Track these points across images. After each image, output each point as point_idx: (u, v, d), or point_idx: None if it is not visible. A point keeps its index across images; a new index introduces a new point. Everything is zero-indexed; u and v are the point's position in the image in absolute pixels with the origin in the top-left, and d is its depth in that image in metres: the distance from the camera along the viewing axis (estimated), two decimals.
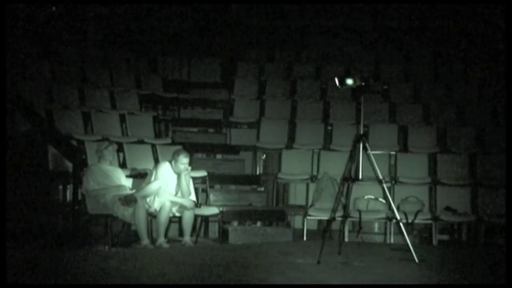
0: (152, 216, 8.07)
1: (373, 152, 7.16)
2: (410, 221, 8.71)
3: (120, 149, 9.40)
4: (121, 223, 8.19)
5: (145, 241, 7.80)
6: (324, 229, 7.56)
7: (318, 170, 10.07)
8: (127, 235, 8.28)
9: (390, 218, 8.79)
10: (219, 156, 11.10)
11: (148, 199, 8.04)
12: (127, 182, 8.51)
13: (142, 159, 9.35)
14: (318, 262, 6.42)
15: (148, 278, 5.66)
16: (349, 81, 6.76)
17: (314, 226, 9.70)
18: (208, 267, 6.26)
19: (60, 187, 8.79)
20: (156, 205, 8.03)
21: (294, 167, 10.21)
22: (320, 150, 10.45)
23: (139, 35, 13.68)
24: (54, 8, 13.09)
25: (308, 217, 8.97)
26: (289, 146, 10.72)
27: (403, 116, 11.51)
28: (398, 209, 8.49)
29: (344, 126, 11.09)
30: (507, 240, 6.09)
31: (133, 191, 8.20)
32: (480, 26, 13.54)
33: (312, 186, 9.78)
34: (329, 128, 11.22)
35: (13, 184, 7.89)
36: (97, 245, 8.01)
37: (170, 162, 8.25)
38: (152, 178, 8.16)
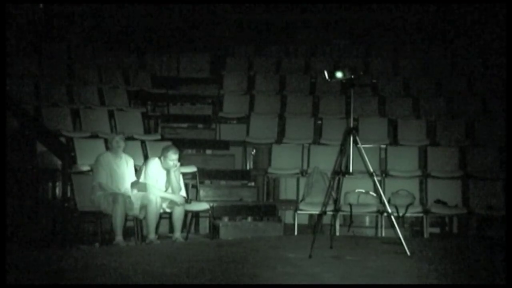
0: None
1: (363, 145, 7.13)
2: (401, 214, 8.72)
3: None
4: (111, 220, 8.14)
5: (119, 237, 7.77)
6: (315, 224, 7.54)
7: (308, 165, 10.04)
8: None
9: (381, 211, 8.78)
10: (209, 151, 11.08)
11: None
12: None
13: (131, 155, 9.30)
14: (310, 257, 6.40)
15: (139, 275, 5.62)
16: (339, 74, 6.72)
17: (305, 221, 9.68)
18: (199, 263, 6.22)
19: (50, 184, 8.73)
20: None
21: (284, 161, 10.18)
22: (310, 145, 10.42)
23: (127, 31, 13.60)
24: (41, 5, 13.01)
25: (299, 212, 8.94)
26: (279, 141, 10.69)
27: (392, 109, 11.50)
28: (389, 202, 8.47)
29: (334, 120, 11.07)
30: (507, 239, 6.08)
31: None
32: (469, 19, 13.54)
33: (302, 181, 9.77)
34: (319, 122, 11.18)
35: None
36: (88, 243, 7.95)
37: (160, 158, 8.21)
38: (142, 175, 8.13)
